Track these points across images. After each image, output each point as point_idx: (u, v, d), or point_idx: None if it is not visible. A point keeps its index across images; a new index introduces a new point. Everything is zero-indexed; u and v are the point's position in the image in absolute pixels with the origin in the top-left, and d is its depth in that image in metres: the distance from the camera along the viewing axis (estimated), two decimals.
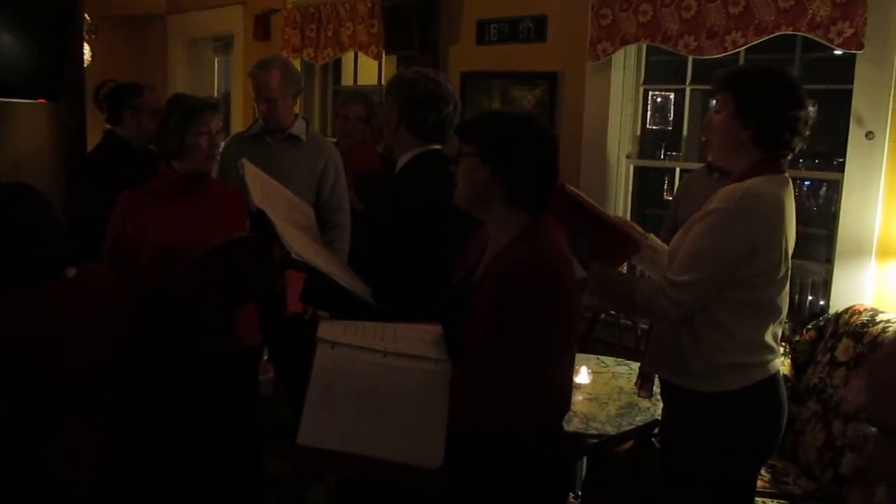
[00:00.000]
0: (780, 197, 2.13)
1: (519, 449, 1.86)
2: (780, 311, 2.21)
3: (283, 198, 2.53)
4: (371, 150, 4.20)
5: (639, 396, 2.93)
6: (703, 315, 2.14)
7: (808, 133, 2.16)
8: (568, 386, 1.95)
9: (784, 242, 2.13)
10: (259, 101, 3.43)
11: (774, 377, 2.21)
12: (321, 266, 2.20)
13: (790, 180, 2.20)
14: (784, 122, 2.12)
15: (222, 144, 3.09)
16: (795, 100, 2.13)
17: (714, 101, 2.27)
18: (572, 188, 2.09)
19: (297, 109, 4.01)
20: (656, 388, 2.61)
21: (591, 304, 3.88)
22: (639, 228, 2.38)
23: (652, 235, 2.43)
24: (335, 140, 4.25)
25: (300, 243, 2.24)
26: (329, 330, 1.92)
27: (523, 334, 1.79)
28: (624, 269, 2.86)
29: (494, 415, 1.83)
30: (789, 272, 2.20)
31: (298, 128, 3.47)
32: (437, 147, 2.47)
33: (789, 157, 2.20)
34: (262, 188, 2.39)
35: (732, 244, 2.08)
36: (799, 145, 2.17)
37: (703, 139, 3.58)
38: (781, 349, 2.34)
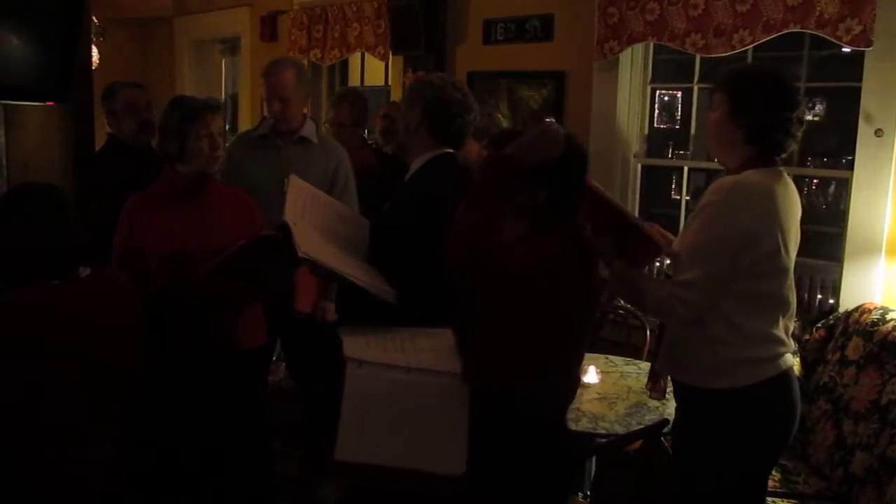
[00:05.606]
0: (771, 186, 2.14)
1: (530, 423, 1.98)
2: (786, 303, 2.21)
3: (330, 210, 2.52)
4: (365, 151, 4.20)
5: (650, 398, 2.92)
6: (710, 310, 2.15)
7: (800, 134, 2.18)
8: (571, 364, 2.09)
9: (780, 231, 2.13)
10: (272, 102, 3.38)
11: (786, 373, 2.20)
12: (330, 264, 2.22)
13: (784, 173, 2.21)
14: (774, 123, 2.14)
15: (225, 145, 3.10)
16: (786, 101, 2.14)
17: (713, 99, 2.27)
18: (596, 185, 2.08)
19: (304, 110, 4.01)
20: (669, 389, 2.60)
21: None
22: (669, 235, 2.36)
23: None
24: None
25: (315, 244, 2.25)
26: (354, 347, 2.03)
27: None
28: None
29: (496, 375, 1.98)
30: (792, 265, 2.21)
31: (309, 130, 3.42)
32: (451, 151, 2.51)
33: (783, 156, 2.21)
34: (304, 202, 2.40)
35: (728, 234, 2.09)
36: (791, 146, 2.19)
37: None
38: (794, 345, 2.33)
